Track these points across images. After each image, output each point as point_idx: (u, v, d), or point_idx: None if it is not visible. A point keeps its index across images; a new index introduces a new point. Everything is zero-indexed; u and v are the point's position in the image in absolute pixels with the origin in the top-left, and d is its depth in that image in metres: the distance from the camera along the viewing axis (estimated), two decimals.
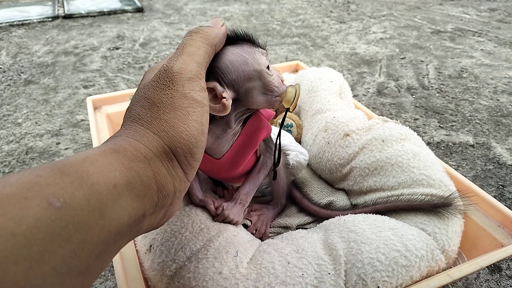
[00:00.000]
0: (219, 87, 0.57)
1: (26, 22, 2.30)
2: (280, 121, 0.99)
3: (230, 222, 0.72)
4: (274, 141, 0.77)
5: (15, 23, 2.28)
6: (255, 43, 0.62)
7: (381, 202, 0.76)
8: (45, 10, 2.46)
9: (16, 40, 2.09)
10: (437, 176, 0.76)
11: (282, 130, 0.89)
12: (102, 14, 2.44)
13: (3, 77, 1.69)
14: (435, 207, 0.71)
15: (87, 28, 2.25)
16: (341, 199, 0.85)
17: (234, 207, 0.73)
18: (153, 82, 0.43)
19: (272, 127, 0.79)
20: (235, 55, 0.59)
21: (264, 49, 0.63)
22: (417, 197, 0.73)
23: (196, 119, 0.44)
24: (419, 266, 0.63)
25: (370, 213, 0.74)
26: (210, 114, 0.60)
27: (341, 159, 0.85)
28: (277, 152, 0.70)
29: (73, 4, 2.61)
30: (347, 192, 0.88)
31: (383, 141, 0.81)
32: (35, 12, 2.42)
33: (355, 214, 0.74)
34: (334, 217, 0.76)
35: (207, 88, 0.57)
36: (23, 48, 1.98)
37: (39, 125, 1.34)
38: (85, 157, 0.34)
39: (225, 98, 0.57)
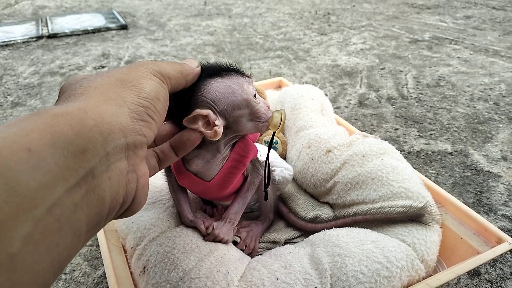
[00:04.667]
0: (212, 115, 0.61)
1: (10, 42, 2.31)
2: (265, 138, 1.03)
3: (220, 241, 0.75)
4: (260, 159, 0.81)
5: None
6: (241, 73, 0.66)
7: (361, 214, 0.80)
8: (29, 30, 2.47)
9: (1, 61, 2.09)
10: (415, 188, 0.80)
11: (266, 147, 0.93)
12: (86, 32, 2.46)
13: None
14: (410, 218, 0.75)
15: (72, 47, 2.27)
16: (326, 213, 0.89)
17: (224, 226, 0.76)
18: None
19: (257, 144, 0.83)
20: (224, 86, 0.62)
21: (250, 78, 0.67)
22: (394, 209, 0.77)
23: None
24: (400, 276, 0.67)
25: (351, 226, 0.78)
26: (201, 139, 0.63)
27: (325, 174, 0.89)
28: (266, 174, 0.74)
29: (57, 23, 2.62)
30: (332, 206, 0.92)
31: (363, 156, 0.86)
32: (19, 32, 2.42)
33: (339, 227, 0.78)
34: (319, 230, 0.79)
35: (201, 115, 0.61)
36: (9, 70, 1.99)
37: None
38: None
39: (217, 125, 0.61)
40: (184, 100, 0.63)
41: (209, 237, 0.75)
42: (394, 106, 1.59)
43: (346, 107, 1.59)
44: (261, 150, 0.84)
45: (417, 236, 0.73)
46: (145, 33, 2.49)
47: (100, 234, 0.76)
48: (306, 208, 0.92)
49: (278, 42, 2.34)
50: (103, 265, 0.90)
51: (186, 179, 0.74)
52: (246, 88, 0.65)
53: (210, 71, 0.64)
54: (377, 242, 0.70)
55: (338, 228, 0.76)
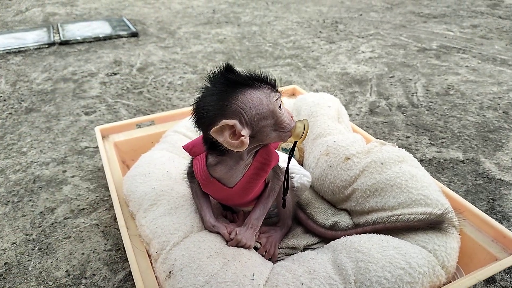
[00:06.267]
0: (239, 125, 0.63)
1: (23, 49, 2.34)
2: (282, 145, 1.04)
3: (243, 246, 0.77)
4: (281, 167, 0.83)
5: (11, 50, 2.31)
6: (271, 85, 0.68)
7: (381, 222, 0.81)
8: (41, 37, 2.50)
9: (14, 67, 2.12)
10: (434, 196, 0.81)
11: (285, 154, 0.95)
12: (97, 39, 2.49)
13: (4, 105, 1.72)
14: (430, 225, 0.77)
15: (84, 54, 2.30)
16: (344, 219, 0.91)
17: (246, 232, 0.78)
18: None
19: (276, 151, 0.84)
20: (253, 97, 0.64)
21: (280, 93, 0.69)
22: (415, 216, 0.79)
23: None
24: (422, 282, 0.68)
25: (371, 233, 0.79)
26: (224, 147, 0.65)
27: (343, 181, 0.90)
28: (285, 182, 0.76)
29: (68, 30, 2.65)
30: (350, 212, 0.93)
31: (382, 163, 0.87)
32: (31, 39, 2.46)
33: (359, 234, 0.79)
34: (339, 237, 0.81)
35: (227, 125, 0.62)
36: (22, 76, 2.02)
37: (44, 153, 1.37)
38: None
39: (243, 136, 0.62)
40: (212, 107, 0.65)
41: (232, 242, 0.76)
42: (404, 114, 1.60)
43: (357, 114, 1.60)
44: (282, 158, 0.86)
45: (437, 242, 0.74)
46: (155, 41, 2.52)
47: (125, 239, 0.77)
48: (324, 215, 0.93)
49: (288, 50, 2.36)
50: (123, 269, 0.92)
51: (209, 185, 0.76)
52: (273, 99, 0.67)
53: (243, 80, 0.66)
54: (398, 248, 0.71)
55: (358, 235, 0.78)
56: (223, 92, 0.65)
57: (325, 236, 0.87)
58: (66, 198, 1.15)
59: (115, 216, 0.94)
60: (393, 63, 2.13)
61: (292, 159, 1.03)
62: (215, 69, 0.68)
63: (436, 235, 0.75)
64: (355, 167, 0.89)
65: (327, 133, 1.00)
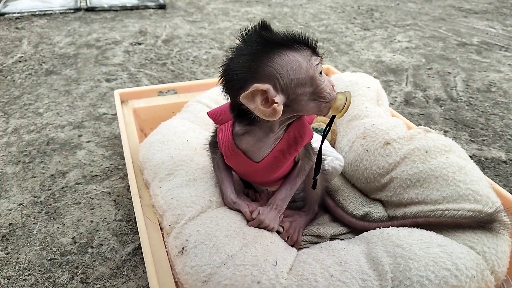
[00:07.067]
0: (272, 91, 0.54)
1: (48, 12, 2.29)
2: (314, 125, 0.96)
3: (265, 228, 0.69)
4: (314, 146, 0.74)
5: (36, 13, 2.27)
6: (311, 48, 0.59)
7: (423, 216, 0.72)
8: (67, 2, 2.45)
9: (37, 30, 2.07)
10: (484, 192, 0.72)
11: (317, 134, 0.86)
12: (124, 9, 2.43)
13: (24, 66, 1.67)
14: (480, 224, 0.67)
15: (109, 22, 2.24)
16: (377, 210, 0.82)
17: (270, 212, 0.70)
18: None
19: None
20: (292, 59, 0.56)
21: (319, 56, 0.60)
22: (462, 213, 0.69)
23: None
24: (469, 286, 0.59)
25: (411, 227, 0.70)
26: (254, 115, 0.57)
27: (381, 168, 0.81)
28: (317, 161, 0.67)
29: None
30: (384, 203, 0.84)
31: (426, 152, 0.78)
32: (57, 3, 2.41)
33: (396, 227, 0.71)
34: (372, 229, 0.72)
35: (259, 90, 0.54)
36: (45, 38, 1.97)
37: (60, 116, 1.31)
38: None
39: (276, 103, 0.54)
40: (244, 69, 0.57)
41: (254, 222, 0.68)
42: (443, 108, 1.50)
43: (392, 104, 1.50)
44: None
45: (487, 244, 0.64)
46: (183, 14, 2.44)
47: (137, 208, 0.70)
48: (354, 204, 0.84)
49: (319, 33, 2.26)
50: (132, 242, 0.85)
51: (234, 157, 0.68)
52: (314, 63, 0.58)
53: (280, 40, 0.57)
54: (444, 246, 0.62)
55: (396, 228, 0.69)
56: (257, 52, 0.56)
57: (355, 226, 0.79)
58: (79, 163, 1.09)
59: (129, 186, 0.88)
60: (431, 55, 2.01)
61: (325, 140, 0.94)
62: (249, 26, 0.59)
63: (486, 236, 0.66)
64: (396, 154, 0.80)
65: (365, 115, 0.91)
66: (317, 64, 0.59)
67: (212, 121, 0.70)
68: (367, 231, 0.72)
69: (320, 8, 2.78)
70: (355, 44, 2.10)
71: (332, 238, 0.79)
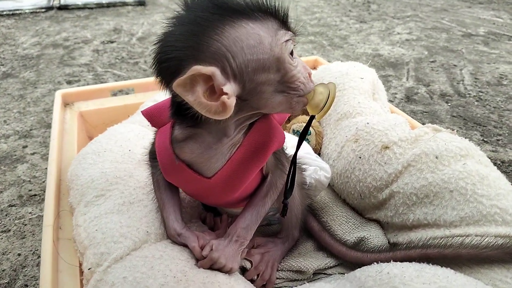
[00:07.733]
0: (219, 77, 0.36)
1: (17, 12, 2.14)
2: (294, 126, 0.77)
3: (221, 269, 0.50)
4: (287, 152, 0.56)
5: (4, 13, 2.11)
6: (279, 19, 0.41)
7: (435, 246, 0.54)
8: (40, 0, 2.29)
9: (3, 30, 1.91)
10: None
11: (293, 138, 0.68)
12: (100, 6, 2.27)
13: None
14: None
15: (82, 20, 2.08)
16: (374, 235, 0.63)
17: (228, 247, 0.51)
18: None
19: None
20: (248, 32, 0.38)
21: (293, 33, 0.42)
22: (488, 240, 0.51)
23: None
24: None
25: (419, 261, 0.52)
26: (200, 115, 0.39)
27: (378, 180, 0.63)
28: (289, 177, 0.49)
29: None
30: (383, 225, 0.66)
31: (436, 157, 0.59)
32: (28, 2, 2.26)
33: (399, 261, 0.52)
34: (368, 263, 0.54)
35: (200, 74, 0.36)
36: (9, 39, 1.81)
37: (7, 124, 1.14)
38: None
39: (226, 94, 0.36)
40: (180, 44, 0.38)
41: (205, 262, 0.50)
42: (449, 104, 1.32)
43: (391, 101, 1.33)
44: (288, 141, 0.57)
45: None
46: (164, 11, 2.28)
47: (45, 245, 0.52)
48: (345, 226, 0.66)
49: (311, 27, 2.09)
50: None
51: (174, 172, 0.50)
52: (282, 40, 0.39)
53: (236, 5, 0.39)
54: None
55: (400, 263, 0.50)
56: (201, 21, 0.38)
57: (346, 257, 0.61)
58: (18, 180, 0.92)
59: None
60: (434, 46, 1.83)
61: (306, 144, 0.75)
62: None
63: None
64: (397, 161, 0.62)
65: (357, 112, 0.72)
66: (286, 40, 0.40)
67: (148, 123, 0.52)
68: (361, 264, 0.54)
69: (313, 1, 2.62)
70: (350, 38, 1.93)
71: (317, 273, 0.61)
